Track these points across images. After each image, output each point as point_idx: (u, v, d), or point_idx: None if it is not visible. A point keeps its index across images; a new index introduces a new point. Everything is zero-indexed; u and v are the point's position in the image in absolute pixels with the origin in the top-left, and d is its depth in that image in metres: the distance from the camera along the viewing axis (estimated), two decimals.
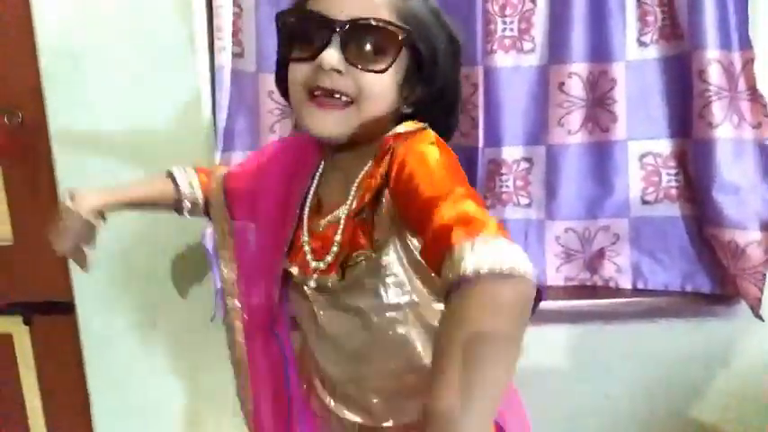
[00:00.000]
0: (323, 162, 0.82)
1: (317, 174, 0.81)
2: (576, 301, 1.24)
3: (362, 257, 0.70)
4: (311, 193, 0.80)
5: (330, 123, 0.68)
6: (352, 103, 0.67)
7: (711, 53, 1.12)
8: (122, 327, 1.30)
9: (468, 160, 1.24)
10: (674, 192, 1.24)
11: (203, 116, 1.20)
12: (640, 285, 1.25)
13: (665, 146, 1.24)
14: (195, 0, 1.16)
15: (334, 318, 0.77)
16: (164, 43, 1.17)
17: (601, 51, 1.22)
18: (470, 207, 0.56)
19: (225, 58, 1.14)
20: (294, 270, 0.79)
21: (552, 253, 1.29)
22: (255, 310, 0.92)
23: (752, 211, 1.14)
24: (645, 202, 1.25)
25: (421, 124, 0.70)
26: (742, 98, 1.14)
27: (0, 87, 1.22)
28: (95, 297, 1.28)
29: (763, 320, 1.15)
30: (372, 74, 0.66)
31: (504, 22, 1.25)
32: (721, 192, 1.15)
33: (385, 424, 0.80)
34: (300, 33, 0.69)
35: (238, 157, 1.20)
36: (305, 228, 0.78)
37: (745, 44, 1.13)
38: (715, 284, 1.21)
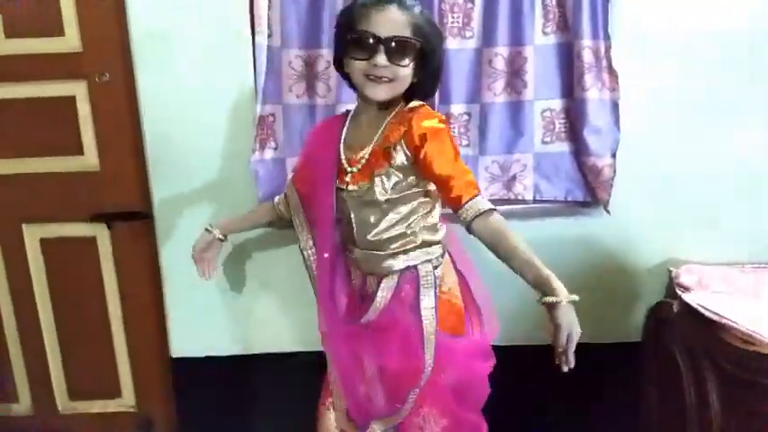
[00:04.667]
0: (346, 124, 1.35)
1: (344, 132, 1.35)
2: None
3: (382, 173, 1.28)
4: (342, 142, 1.34)
5: (381, 92, 1.24)
6: (390, 81, 1.23)
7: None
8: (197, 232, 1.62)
9: None
10: (563, 135, 1.86)
11: (249, 80, 1.75)
12: (538, 197, 1.88)
13: (558, 104, 1.84)
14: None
15: (359, 211, 1.34)
16: (225, 30, 1.73)
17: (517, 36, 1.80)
18: (469, 177, 1.22)
19: (262, 39, 1.68)
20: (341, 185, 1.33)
21: (482, 178, 1.90)
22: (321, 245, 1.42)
23: (606, 145, 1.78)
24: (543, 143, 1.87)
25: (420, 102, 1.29)
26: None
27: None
28: (174, 208, 1.79)
29: (609, 213, 1.81)
30: (402, 67, 1.22)
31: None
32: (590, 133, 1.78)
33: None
34: (358, 43, 1.21)
35: (269, 108, 1.75)
36: (343, 158, 1.33)
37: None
38: (586, 195, 1.86)
